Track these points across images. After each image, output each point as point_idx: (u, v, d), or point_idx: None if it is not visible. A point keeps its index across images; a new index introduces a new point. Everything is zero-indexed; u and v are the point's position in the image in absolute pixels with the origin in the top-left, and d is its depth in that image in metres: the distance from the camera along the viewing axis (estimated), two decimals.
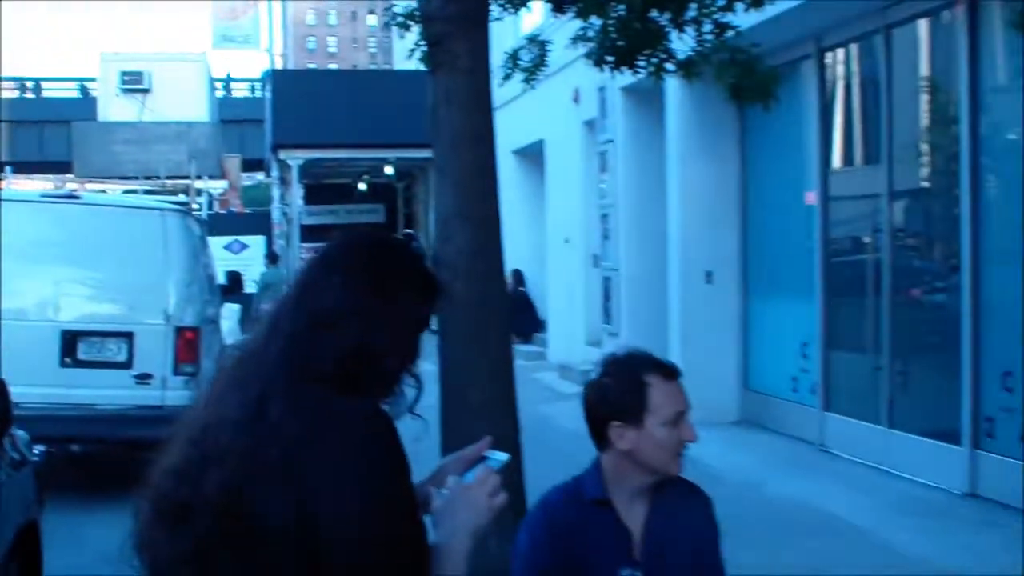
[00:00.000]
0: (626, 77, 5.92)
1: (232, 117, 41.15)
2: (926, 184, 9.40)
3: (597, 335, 14.44)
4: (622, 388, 2.83)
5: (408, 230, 27.40)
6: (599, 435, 2.87)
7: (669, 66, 5.67)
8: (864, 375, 9.68)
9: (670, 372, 2.86)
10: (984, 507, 7.86)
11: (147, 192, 27.89)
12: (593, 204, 14.74)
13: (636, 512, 2.90)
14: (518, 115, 17.47)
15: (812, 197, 10.41)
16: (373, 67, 76.50)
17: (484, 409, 4.08)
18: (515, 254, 19.28)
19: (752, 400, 11.56)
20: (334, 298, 2.02)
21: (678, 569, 2.90)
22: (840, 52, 10.31)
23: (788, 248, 10.96)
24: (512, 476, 4.19)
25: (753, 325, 11.64)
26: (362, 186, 29.04)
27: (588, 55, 5.63)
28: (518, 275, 19.01)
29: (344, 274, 2.06)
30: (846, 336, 10.11)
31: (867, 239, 9.86)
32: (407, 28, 5.19)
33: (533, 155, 18.22)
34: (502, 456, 2.22)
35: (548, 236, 17.51)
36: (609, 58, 5.56)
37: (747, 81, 5.52)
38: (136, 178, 30.46)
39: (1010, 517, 7.45)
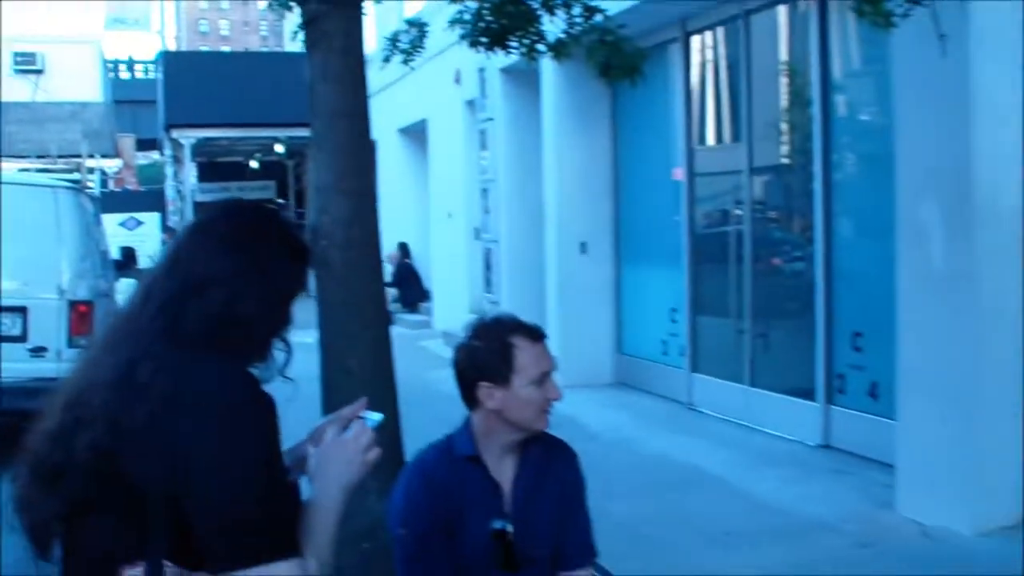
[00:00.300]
0: (504, 59, 5.90)
1: (126, 98, 40.20)
2: (783, 161, 9.54)
3: (479, 304, 14.44)
4: (490, 350, 2.84)
5: (298, 207, 27.11)
6: (469, 395, 2.89)
7: (541, 47, 5.64)
8: (728, 338, 9.82)
9: (535, 335, 2.89)
10: (836, 457, 8.03)
11: (40, 171, 27.17)
12: (474, 179, 14.72)
13: (506, 467, 2.93)
14: (403, 95, 17.42)
15: (679, 173, 10.50)
16: (265, 49, 75.36)
17: (363, 373, 4.06)
18: (401, 228, 19.31)
19: (625, 363, 11.66)
20: (204, 266, 1.98)
21: (546, 519, 2.94)
22: (704, 36, 10.39)
23: (657, 220, 11.04)
24: (391, 437, 4.18)
25: (625, 293, 11.73)
26: (254, 164, 28.72)
27: (463, 37, 5.58)
28: (404, 248, 18.95)
29: (214, 242, 2.02)
30: (711, 302, 10.23)
31: (730, 212, 9.97)
32: (288, 9, 5.10)
33: (418, 133, 18.14)
34: (377, 416, 2.20)
35: (432, 210, 17.47)
36: (483, 40, 5.52)
37: (615, 60, 5.52)
38: (29, 157, 29.61)
39: (859, 466, 7.66)
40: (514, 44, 5.65)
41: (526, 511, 2.91)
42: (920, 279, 6.41)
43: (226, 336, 1.95)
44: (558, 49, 5.76)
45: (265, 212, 2.19)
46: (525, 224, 12.91)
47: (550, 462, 2.99)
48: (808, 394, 8.54)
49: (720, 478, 7.69)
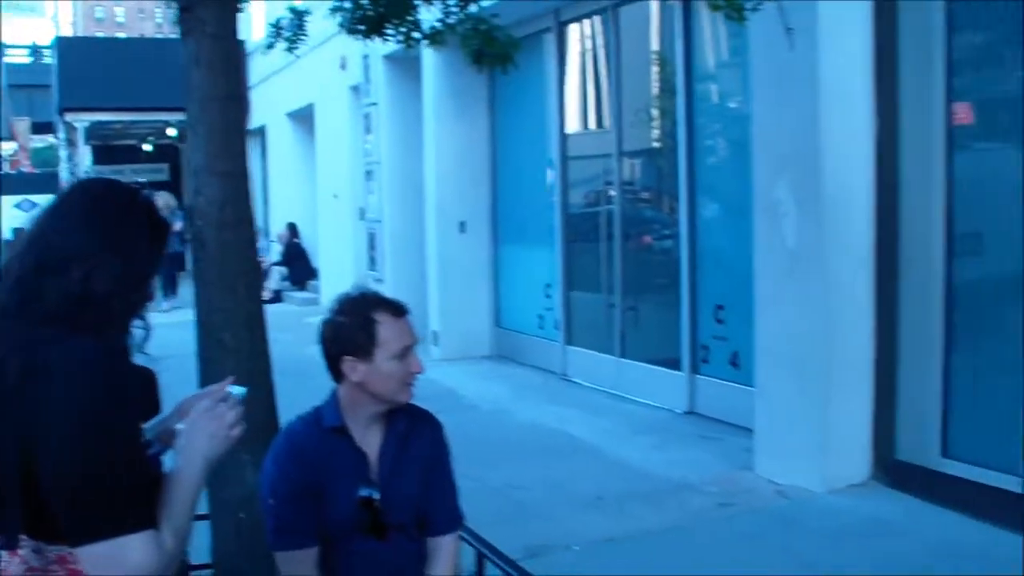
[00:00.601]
0: (387, 46, 5.81)
1: (21, 83, 38.93)
2: (651, 146, 9.58)
3: (364, 282, 14.30)
4: (353, 326, 2.81)
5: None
6: (335, 369, 2.86)
7: (417, 35, 5.55)
8: (599, 312, 9.85)
9: (397, 310, 2.85)
10: (701, 423, 8.13)
11: None
12: (359, 162, 14.54)
13: (372, 437, 2.89)
14: (292, 80, 17.19)
15: (553, 156, 10.51)
16: (160, 36, 73.62)
17: (237, 347, 3.97)
18: (290, 208, 19.06)
19: (503, 337, 11.65)
20: (60, 243, 1.89)
21: (411, 487, 2.92)
22: (577, 27, 10.38)
23: (533, 201, 11.03)
24: (266, 409, 4.10)
25: (503, 270, 11.72)
26: (147, 147, 28.13)
27: (341, 24, 5.46)
28: (293, 228, 18.70)
29: (71, 220, 1.93)
30: (584, 278, 10.25)
31: (601, 194, 10.00)
32: None
33: (305, 117, 17.86)
34: (241, 389, 2.15)
35: (319, 192, 17.25)
36: (361, 27, 5.41)
37: (488, 48, 5.46)
38: None
39: (722, 431, 7.76)
40: (391, 31, 5.54)
41: (392, 479, 2.88)
42: (775, 255, 6.49)
43: (83, 313, 1.86)
44: (433, 37, 5.67)
45: (124, 190, 2.07)
46: (407, 205, 12.82)
47: (415, 432, 2.97)
48: (674, 364, 8.62)
49: (592, 445, 7.70)
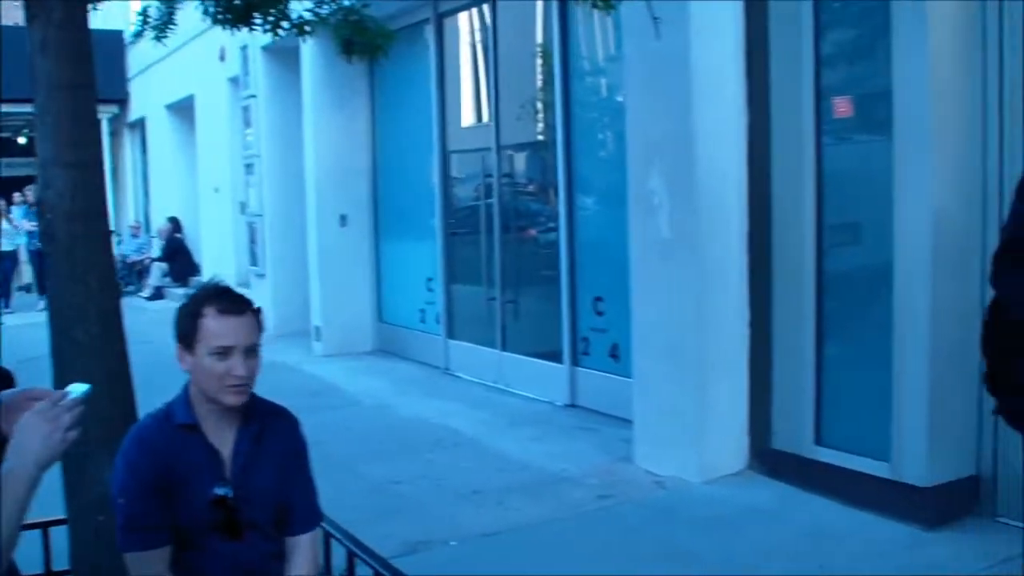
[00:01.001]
0: (266, 37, 5.65)
1: None
2: (529, 138, 9.52)
3: (245, 277, 14.07)
4: (185, 315, 2.74)
5: None
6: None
7: (286, 25, 5.41)
8: (480, 305, 9.78)
9: (227, 308, 2.73)
10: (582, 415, 8.12)
11: None
12: (239, 155, 14.27)
13: (225, 434, 2.80)
14: (171, 72, 16.84)
15: (434, 149, 10.40)
16: None
17: (91, 344, 3.80)
18: (170, 202, 18.65)
19: (386, 331, 11.53)
20: None
21: (267, 485, 2.83)
22: (455, 19, 10.28)
23: (414, 194, 10.92)
24: (124, 408, 3.94)
25: (384, 264, 11.59)
26: (22, 140, 27.29)
27: (206, 13, 5.29)
28: (175, 222, 18.30)
29: None
30: (465, 272, 10.19)
31: (481, 186, 9.93)
32: None
33: (185, 109, 17.48)
34: (82, 388, 2.06)
35: (200, 186, 16.89)
36: (228, 16, 5.25)
37: (358, 38, 5.36)
38: None
39: (603, 423, 7.76)
40: (259, 21, 5.40)
41: (246, 477, 2.79)
42: (649, 246, 6.49)
43: None
44: (302, 27, 5.54)
45: None
46: (288, 199, 12.61)
47: (270, 429, 2.88)
48: (555, 357, 8.59)
49: (473, 439, 7.64)
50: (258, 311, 2.82)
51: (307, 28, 5.46)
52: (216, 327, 2.70)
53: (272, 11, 5.29)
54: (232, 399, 2.73)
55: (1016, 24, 5.09)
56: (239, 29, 5.37)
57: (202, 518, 2.74)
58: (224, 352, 2.69)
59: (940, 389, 5.17)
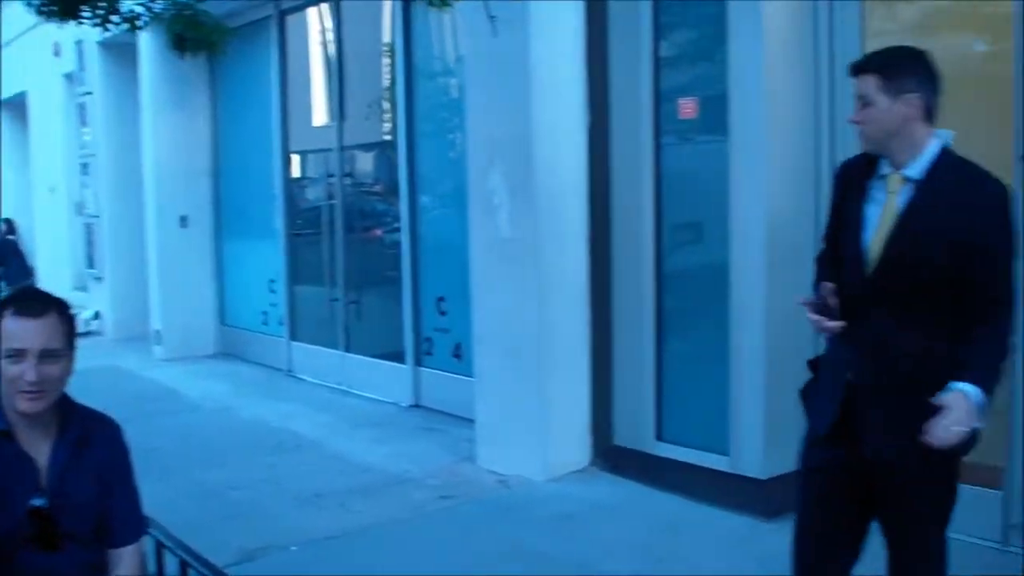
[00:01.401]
0: (103, 32, 5.39)
1: None
2: (372, 138, 9.37)
3: (83, 280, 13.55)
4: None
5: None
6: None
7: (115, 18, 5.15)
8: (323, 307, 9.60)
9: (23, 311, 2.59)
10: (427, 416, 8.02)
11: None
12: (75, 154, 13.73)
13: (42, 443, 2.66)
14: (2, 67, 16.07)
15: (276, 148, 10.17)
16: None
17: None
18: (3, 203, 17.79)
19: (228, 334, 11.23)
20: None
21: (85, 495, 2.71)
22: (298, 17, 10.06)
23: (256, 195, 10.65)
24: None
25: (227, 265, 11.30)
26: None
27: (30, 4, 4.99)
28: (9, 223, 17.47)
29: None
30: (307, 272, 9.99)
31: (323, 187, 9.75)
32: None
33: (18, 106, 16.75)
34: None
35: (34, 185, 16.21)
36: (53, 8, 4.96)
37: (190, 34, 5.14)
38: None
39: (447, 423, 7.67)
40: (87, 14, 5.13)
41: (63, 488, 2.66)
42: (489, 246, 6.42)
43: None
44: (132, 21, 5.29)
45: None
46: (126, 199, 12.18)
47: (89, 437, 2.74)
48: (399, 357, 8.47)
49: (315, 441, 7.47)
50: (69, 315, 2.68)
51: (138, 23, 5.19)
52: (10, 328, 2.57)
53: (101, 4, 5.02)
54: (24, 405, 2.58)
55: (850, 27, 5.18)
56: (66, 22, 5.08)
57: (17, 530, 2.60)
58: (17, 355, 2.56)
59: (776, 384, 5.21)
